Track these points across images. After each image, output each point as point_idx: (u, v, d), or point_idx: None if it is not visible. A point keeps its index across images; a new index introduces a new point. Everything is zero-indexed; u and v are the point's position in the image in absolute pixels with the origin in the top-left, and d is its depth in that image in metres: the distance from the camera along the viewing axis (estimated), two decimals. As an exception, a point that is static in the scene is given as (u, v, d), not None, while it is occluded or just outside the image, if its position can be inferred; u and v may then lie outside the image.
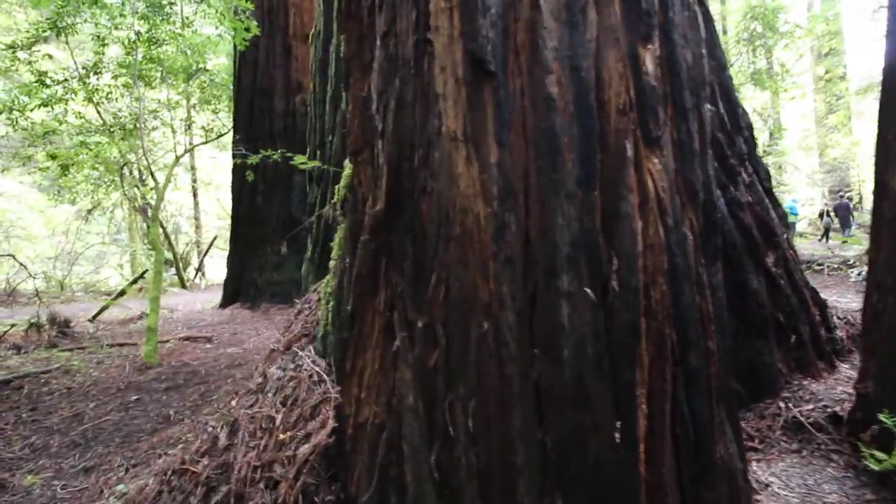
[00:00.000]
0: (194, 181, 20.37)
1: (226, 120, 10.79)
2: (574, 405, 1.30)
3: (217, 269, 19.27)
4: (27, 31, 7.33)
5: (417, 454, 1.32)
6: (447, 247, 1.36)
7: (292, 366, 2.11)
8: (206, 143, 9.95)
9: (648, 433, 1.36)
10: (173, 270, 15.28)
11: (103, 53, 7.69)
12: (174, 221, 19.10)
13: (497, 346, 1.29)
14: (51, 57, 7.39)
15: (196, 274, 16.86)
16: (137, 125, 8.42)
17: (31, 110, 7.16)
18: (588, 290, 1.30)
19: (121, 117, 8.09)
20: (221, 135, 10.41)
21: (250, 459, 1.75)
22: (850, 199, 17.06)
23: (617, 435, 1.31)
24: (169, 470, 2.07)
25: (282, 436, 1.76)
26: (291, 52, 9.11)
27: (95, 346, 6.89)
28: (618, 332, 1.34)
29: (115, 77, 7.97)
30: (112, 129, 8.00)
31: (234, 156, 8.74)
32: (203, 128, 9.96)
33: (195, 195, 20.47)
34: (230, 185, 9.90)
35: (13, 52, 6.55)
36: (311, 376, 1.97)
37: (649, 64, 1.42)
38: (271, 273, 8.89)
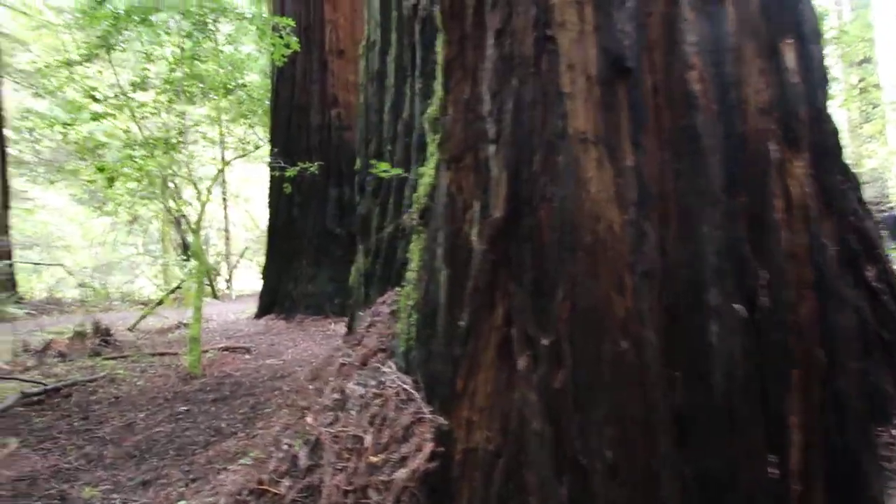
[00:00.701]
0: (224, 194, 20.82)
1: (261, 134, 10.99)
2: (723, 433, 1.17)
3: (245, 279, 19.56)
4: (78, 49, 7.59)
5: (545, 486, 1.20)
6: (573, 257, 1.25)
7: (373, 382, 2.01)
8: (244, 156, 10.12)
9: (802, 466, 1.21)
10: (205, 280, 15.53)
11: (149, 70, 7.92)
12: (205, 233, 19.54)
13: (638, 367, 1.17)
14: (101, 73, 7.63)
15: (226, 284, 17.11)
16: (180, 139, 8.63)
17: (81, 124, 7.38)
18: (738, 306, 1.17)
19: (166, 129, 8.28)
20: (258, 147, 10.60)
21: (339, 482, 1.65)
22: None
23: (772, 469, 1.16)
24: (244, 490, 1.99)
25: (373, 458, 1.65)
26: (327, 68, 9.23)
27: (137, 354, 6.96)
28: (768, 353, 1.21)
29: (160, 93, 8.19)
30: (155, 143, 8.20)
31: (271, 168, 8.85)
32: (240, 140, 10.15)
33: (225, 208, 20.90)
34: (267, 198, 10.02)
35: (69, 68, 6.77)
36: (397, 394, 1.87)
37: (790, 59, 1.30)
38: (306, 285, 8.90)
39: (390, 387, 1.91)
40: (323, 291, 8.89)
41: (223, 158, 9.69)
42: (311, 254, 8.99)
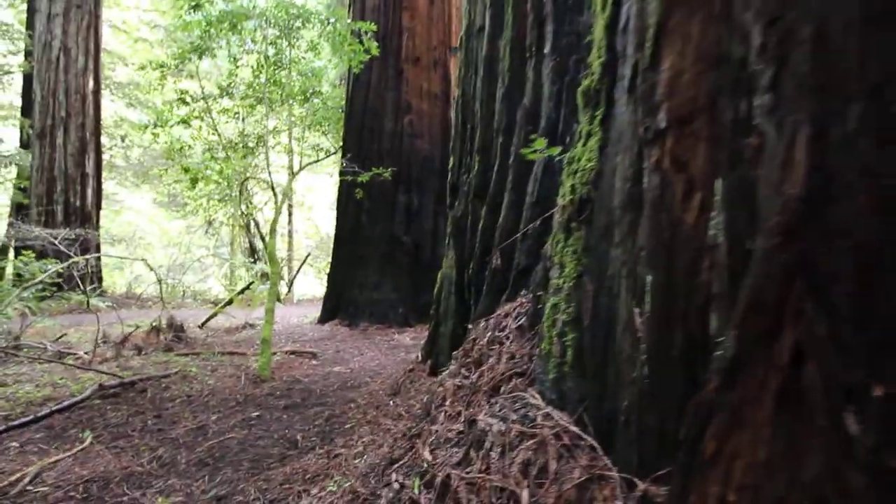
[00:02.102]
0: (290, 202, 21.47)
1: (333, 141, 11.08)
2: None
3: (306, 284, 19.93)
4: (173, 56, 7.90)
5: None
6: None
7: (515, 416, 1.59)
8: (318, 161, 10.20)
9: None
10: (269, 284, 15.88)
11: (236, 75, 8.09)
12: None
13: None
14: (192, 77, 7.90)
15: (288, 289, 17.44)
16: (260, 144, 8.76)
17: (172, 126, 7.62)
18: None
19: (244, 135, 8.44)
20: (330, 154, 10.67)
21: (486, 551, 1.23)
22: None
23: None
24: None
25: (536, 525, 1.22)
26: (403, 75, 9.14)
27: (208, 353, 6.96)
28: None
29: (243, 98, 8.37)
30: (236, 147, 8.37)
31: (342, 174, 8.78)
32: (313, 148, 10.23)
33: (290, 214, 21.53)
34: (335, 203, 9.99)
35: (162, 72, 7.02)
36: (557, 436, 1.43)
37: None
38: (371, 292, 8.70)
39: (544, 425, 1.48)
40: (387, 299, 8.66)
41: (293, 164, 9.78)
42: (377, 261, 8.81)
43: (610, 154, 1.63)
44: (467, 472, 1.51)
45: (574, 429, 1.44)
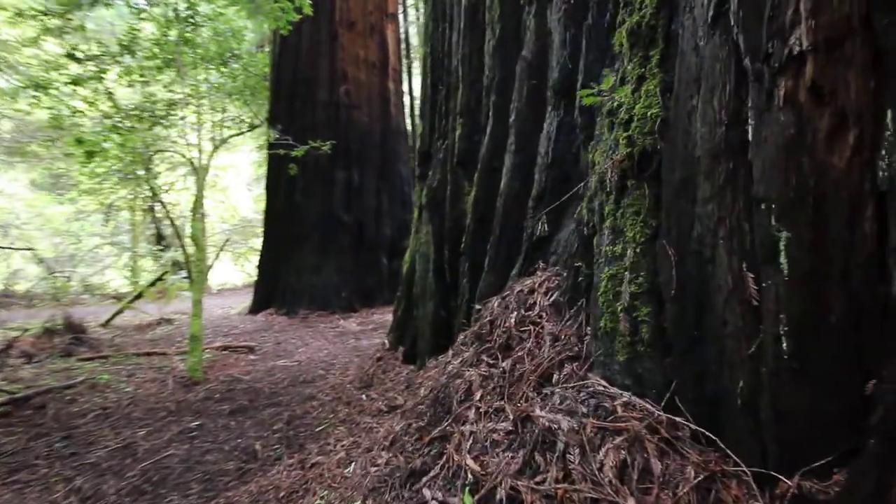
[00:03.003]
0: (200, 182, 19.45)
1: (254, 113, 10.01)
2: None
3: (225, 272, 18.32)
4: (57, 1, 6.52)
5: None
6: None
7: (585, 409, 1.33)
8: (241, 133, 9.16)
9: None
10: (183, 273, 14.32)
11: (139, 30, 6.92)
12: (181, 222, 18.19)
13: None
14: (83, 28, 6.58)
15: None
16: (171, 112, 7.62)
17: (58, 89, 6.34)
18: None
19: (152, 100, 7.27)
20: (254, 126, 9.64)
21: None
22: None
23: None
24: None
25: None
26: (337, 40, 8.40)
27: (119, 355, 6.01)
28: None
29: (149, 58, 7.19)
30: (142, 115, 7.20)
31: (271, 147, 7.93)
32: (236, 120, 9.18)
33: (201, 197, 19.53)
34: (265, 181, 9.09)
35: (44, 20, 5.75)
36: (651, 428, 1.19)
37: None
38: (310, 276, 8.06)
39: (630, 416, 1.23)
40: (329, 283, 8.08)
41: (213, 138, 8.68)
42: (316, 242, 8.16)
43: (681, 97, 1.40)
44: (539, 483, 1.23)
45: (667, 418, 1.21)
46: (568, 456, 1.24)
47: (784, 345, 1.02)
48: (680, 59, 1.43)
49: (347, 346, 6.34)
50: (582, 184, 1.91)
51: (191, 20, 6.90)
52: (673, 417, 1.21)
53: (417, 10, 14.84)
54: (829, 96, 0.99)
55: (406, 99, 10.73)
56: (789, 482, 0.97)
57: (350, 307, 8.03)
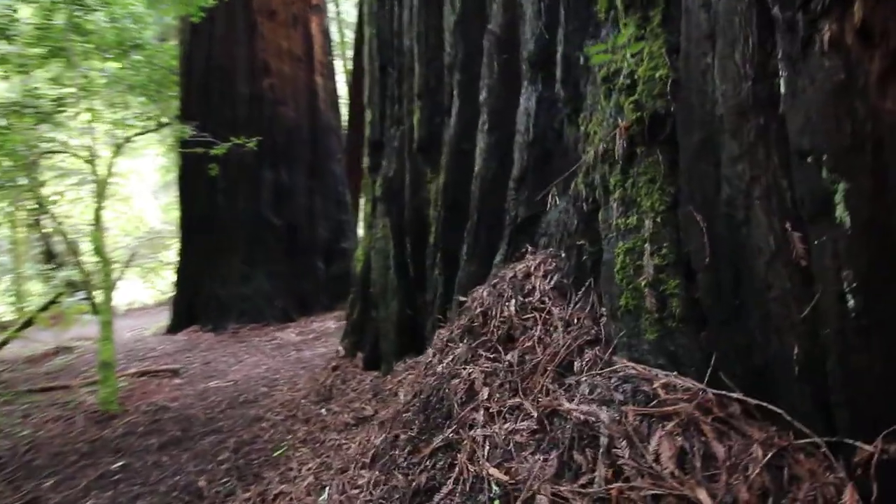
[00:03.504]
0: (99, 192, 17.33)
1: (160, 110, 9.01)
2: None
3: (131, 291, 16.43)
4: None
5: None
6: None
7: (621, 395, 1.20)
8: (147, 132, 8.19)
9: None
10: (81, 294, 12.60)
11: (16, 10, 5.95)
12: (75, 238, 16.02)
13: None
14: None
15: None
16: (58, 109, 6.61)
17: None
18: None
19: (40, 97, 6.25)
20: (162, 124, 8.67)
21: None
22: None
23: None
24: None
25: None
26: (256, 30, 7.79)
27: (8, 393, 5.06)
28: None
29: (30, 44, 6.18)
30: (23, 111, 6.15)
31: (184, 145, 7.15)
32: (141, 117, 8.18)
33: (100, 208, 17.39)
34: (178, 184, 8.21)
35: None
36: (703, 408, 1.09)
37: None
38: (238, 286, 7.39)
39: (676, 398, 1.12)
40: (260, 292, 7.46)
41: (120, 136, 7.68)
42: (243, 248, 7.49)
43: (692, 56, 1.32)
44: (585, 485, 1.08)
45: (715, 395, 1.11)
46: (615, 451, 1.10)
47: (850, 302, 0.96)
48: (686, 17, 1.36)
49: (289, 358, 5.85)
50: (577, 160, 1.80)
51: (80, 2, 6.04)
52: (721, 393, 1.11)
53: (337, 5, 14.32)
54: (880, 38, 0.94)
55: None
56: (870, 447, 0.91)
57: (286, 317, 7.47)
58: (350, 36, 15.23)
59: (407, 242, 2.90)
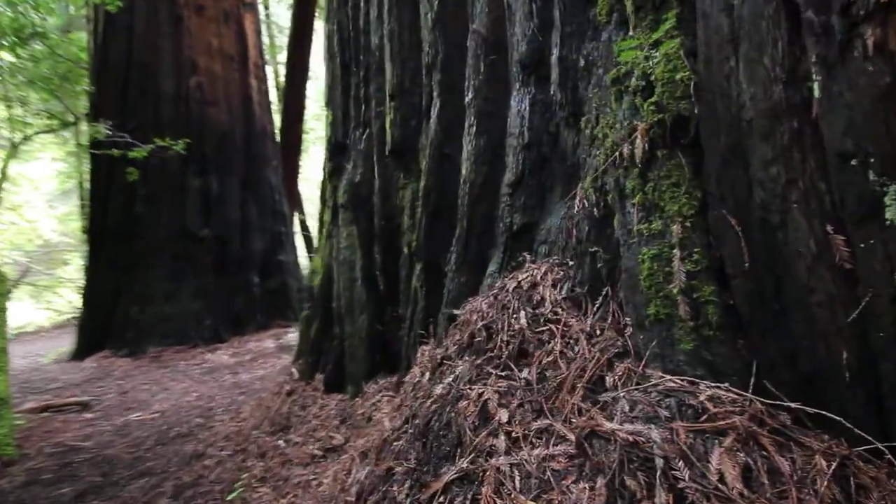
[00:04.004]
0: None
1: (71, 105, 7.97)
2: None
3: (21, 312, 14.30)
4: None
5: None
6: None
7: (667, 412, 1.12)
8: (49, 132, 7.20)
9: None
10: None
11: None
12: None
13: None
14: None
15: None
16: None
17: None
18: None
19: None
20: (68, 123, 7.67)
21: None
22: None
23: None
24: None
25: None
26: (182, 24, 7.18)
27: None
28: None
29: None
30: None
31: (96, 146, 6.35)
32: (42, 114, 7.17)
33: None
34: (90, 190, 7.30)
35: None
36: (756, 420, 1.04)
37: None
38: (161, 306, 6.66)
39: (727, 411, 1.07)
40: (187, 312, 6.77)
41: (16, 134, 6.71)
42: (167, 264, 6.77)
43: (714, 60, 1.31)
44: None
45: (764, 405, 1.07)
46: (676, 472, 1.01)
47: (908, 303, 0.95)
48: (704, 21, 1.35)
49: (224, 383, 5.31)
50: (576, 164, 1.74)
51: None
52: (772, 403, 1.07)
53: (266, 7, 13.74)
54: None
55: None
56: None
57: (217, 337, 6.84)
58: (282, 40, 14.63)
59: (376, 252, 2.71)
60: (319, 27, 12.83)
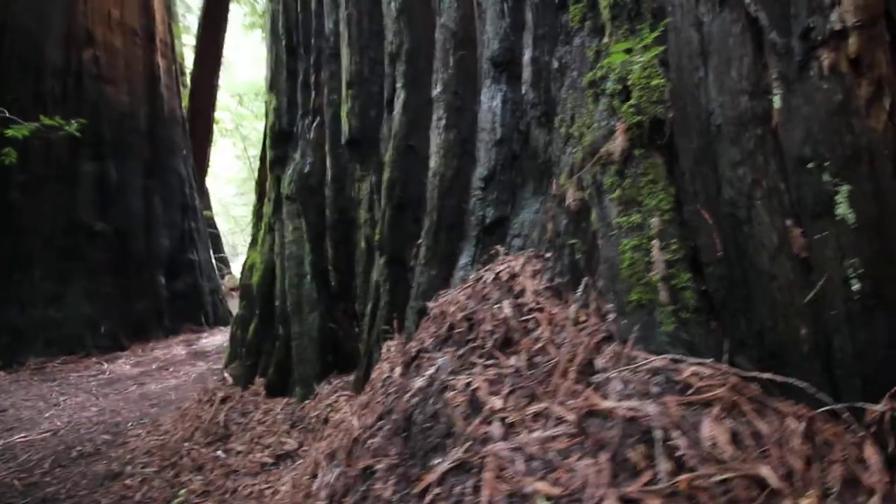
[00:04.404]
0: None
1: None
2: None
3: None
4: None
5: None
6: None
7: (657, 388, 1.22)
8: None
9: None
10: None
11: None
12: None
13: None
14: None
15: None
16: None
17: None
18: None
19: None
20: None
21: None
22: None
23: None
24: None
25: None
26: (74, -13, 6.28)
27: None
28: None
29: None
30: None
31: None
32: None
33: None
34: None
35: None
36: (735, 390, 1.18)
37: None
38: (44, 309, 5.78)
39: (709, 384, 1.19)
40: (78, 316, 5.95)
41: None
42: (53, 261, 5.87)
43: (685, 69, 1.44)
44: (650, 483, 1.06)
45: (738, 377, 1.20)
46: (671, 442, 1.10)
47: (855, 286, 1.13)
48: (675, 33, 1.48)
49: (129, 396, 4.73)
50: (548, 162, 1.82)
51: None
52: (746, 374, 1.21)
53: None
54: (867, 68, 1.15)
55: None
56: (880, 407, 1.07)
57: (116, 345, 6.09)
58: (190, 20, 13.39)
59: (328, 247, 2.60)
60: (234, 8, 11.90)
